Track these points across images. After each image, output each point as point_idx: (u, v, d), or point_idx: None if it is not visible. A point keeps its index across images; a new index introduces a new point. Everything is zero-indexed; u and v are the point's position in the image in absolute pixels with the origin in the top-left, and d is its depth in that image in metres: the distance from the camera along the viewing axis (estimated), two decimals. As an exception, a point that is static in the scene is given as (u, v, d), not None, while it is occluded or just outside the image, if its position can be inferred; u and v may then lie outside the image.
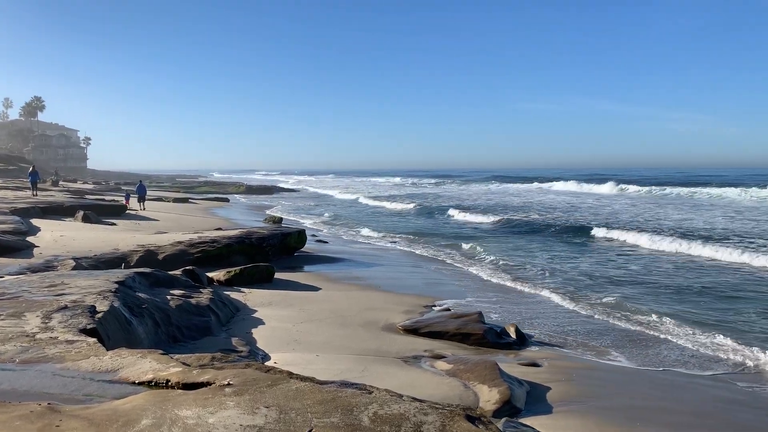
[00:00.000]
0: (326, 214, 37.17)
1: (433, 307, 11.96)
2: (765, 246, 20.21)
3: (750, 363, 8.99)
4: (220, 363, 5.38)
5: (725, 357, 9.23)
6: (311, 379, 4.50)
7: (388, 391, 4.22)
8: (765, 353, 9.25)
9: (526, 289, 14.32)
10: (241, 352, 8.28)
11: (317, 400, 4.02)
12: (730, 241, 21.68)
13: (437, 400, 5.20)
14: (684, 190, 56.18)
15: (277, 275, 14.21)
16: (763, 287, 14.37)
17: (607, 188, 63.21)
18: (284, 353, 8.44)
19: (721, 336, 10.23)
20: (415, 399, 4.11)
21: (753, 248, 19.52)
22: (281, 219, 30.47)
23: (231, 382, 4.44)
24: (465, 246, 21.63)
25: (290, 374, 4.65)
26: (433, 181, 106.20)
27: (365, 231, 28.06)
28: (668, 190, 57.53)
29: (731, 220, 29.64)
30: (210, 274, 13.33)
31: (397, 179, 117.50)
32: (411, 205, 43.25)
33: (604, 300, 13.08)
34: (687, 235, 23.23)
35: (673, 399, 7.48)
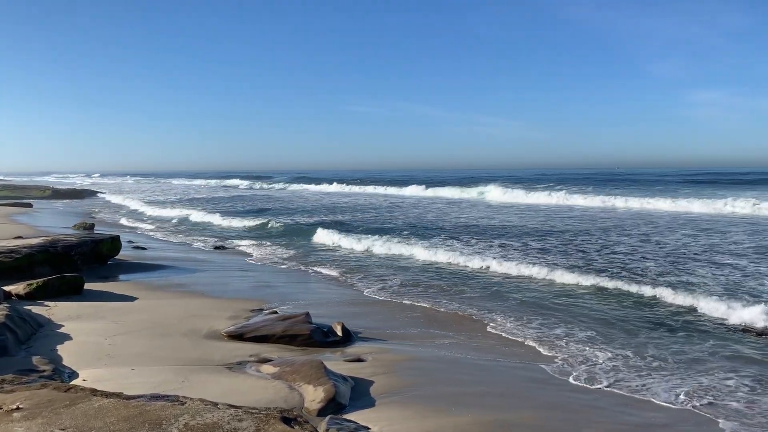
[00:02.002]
0: (137, 221, 35.00)
1: (261, 311, 11.74)
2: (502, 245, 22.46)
3: (534, 345, 9.90)
4: (11, 385, 4.81)
5: (522, 340, 10.13)
6: (117, 395, 4.17)
7: (202, 400, 4.03)
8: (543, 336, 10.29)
9: (350, 288, 14.60)
10: (44, 371, 7.53)
11: (122, 417, 3.72)
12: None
13: (263, 405, 5.08)
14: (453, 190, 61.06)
15: (89, 286, 13.11)
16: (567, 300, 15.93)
17: (409, 190, 66.19)
18: (95, 369, 7.79)
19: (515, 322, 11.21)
20: (231, 406, 3.97)
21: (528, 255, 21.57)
22: (93, 225, 28.17)
23: (21, 406, 3.98)
24: (263, 246, 22.03)
25: (94, 391, 4.28)
26: (245, 183, 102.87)
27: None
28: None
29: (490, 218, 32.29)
30: (7, 288, 11.94)
31: (198, 181, 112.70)
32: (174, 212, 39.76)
33: (416, 291, 13.92)
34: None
35: (488, 383, 8.03)
